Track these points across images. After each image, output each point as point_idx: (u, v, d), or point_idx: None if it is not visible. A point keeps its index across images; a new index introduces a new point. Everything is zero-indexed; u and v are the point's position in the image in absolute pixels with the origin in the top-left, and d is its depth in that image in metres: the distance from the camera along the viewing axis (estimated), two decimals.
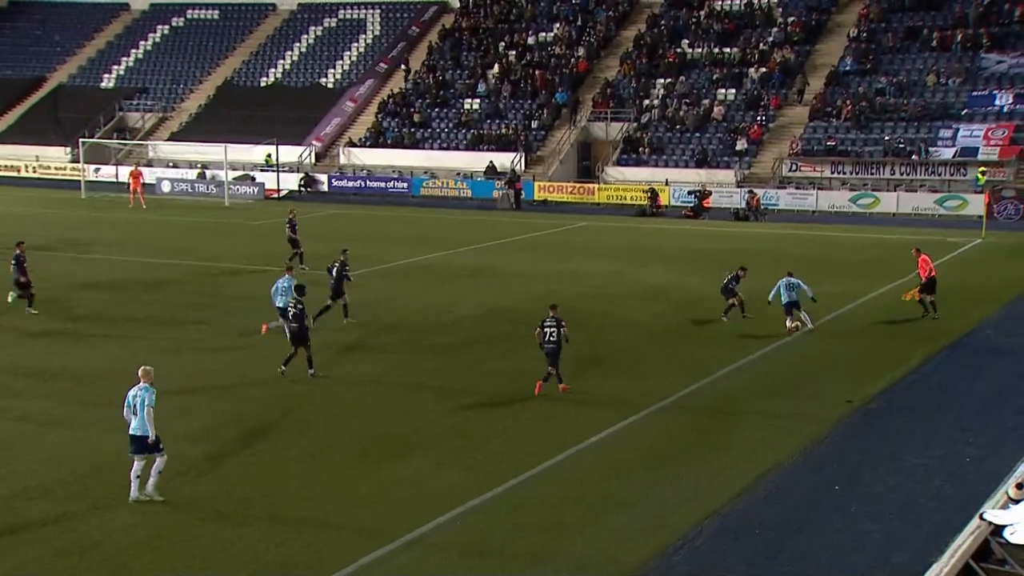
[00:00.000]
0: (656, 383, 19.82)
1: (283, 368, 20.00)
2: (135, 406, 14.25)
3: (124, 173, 59.55)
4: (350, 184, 57.64)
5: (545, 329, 19.10)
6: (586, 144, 57.33)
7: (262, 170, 58.94)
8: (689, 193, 49.03)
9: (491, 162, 55.52)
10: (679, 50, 58.50)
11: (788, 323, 24.22)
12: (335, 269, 24.68)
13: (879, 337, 23.86)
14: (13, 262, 26.20)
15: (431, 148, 58.66)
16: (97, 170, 61.60)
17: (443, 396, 19.02)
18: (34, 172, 64.76)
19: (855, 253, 36.55)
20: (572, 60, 60.02)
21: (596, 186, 53.12)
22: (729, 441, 16.70)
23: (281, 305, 22.26)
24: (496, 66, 61.34)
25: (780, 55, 55.67)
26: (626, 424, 17.43)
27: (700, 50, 58.33)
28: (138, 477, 14.15)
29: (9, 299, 26.19)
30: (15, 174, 64.65)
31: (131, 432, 14.28)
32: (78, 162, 60.34)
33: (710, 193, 48.68)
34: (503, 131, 57.50)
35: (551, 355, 18.99)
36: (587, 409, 18.25)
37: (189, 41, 73.54)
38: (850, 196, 48.39)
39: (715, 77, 56.36)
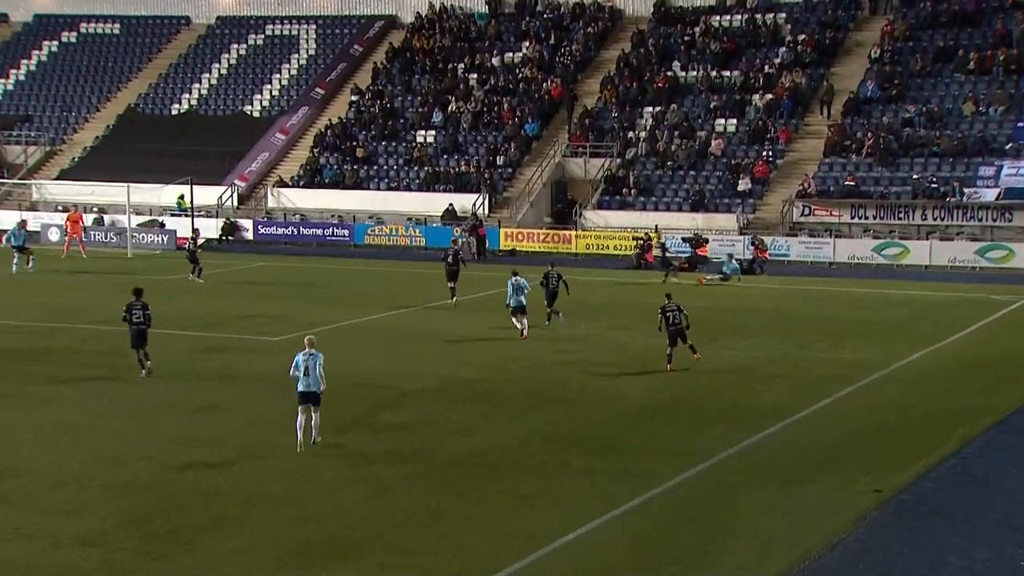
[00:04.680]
0: (644, 468, 19.78)
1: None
2: (306, 368, 20.21)
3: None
4: (280, 231, 57.79)
5: (668, 314, 26.77)
6: (561, 184, 57.79)
7: (173, 215, 58.94)
8: (684, 241, 49.39)
9: (449, 205, 55.81)
10: (670, 73, 59.29)
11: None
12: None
13: (910, 414, 23.96)
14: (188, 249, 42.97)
15: (377, 188, 58.94)
16: None
17: (393, 485, 18.91)
18: None
19: (880, 312, 36.85)
20: (544, 85, 60.64)
21: (573, 233, 53.47)
22: (732, 540, 16.64)
23: None
24: (455, 93, 61.92)
25: (789, 79, 56.55)
26: (609, 518, 17.35)
27: (695, 73, 59.18)
28: (302, 428, 20.29)
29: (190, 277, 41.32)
30: None
31: (301, 390, 20.32)
32: None
33: (707, 240, 49.02)
34: (463, 169, 57.88)
35: (678, 335, 26.80)
36: (563, 499, 18.18)
37: (83, 60, 73.81)
38: (873, 245, 48.91)
39: (712, 105, 57.11)
